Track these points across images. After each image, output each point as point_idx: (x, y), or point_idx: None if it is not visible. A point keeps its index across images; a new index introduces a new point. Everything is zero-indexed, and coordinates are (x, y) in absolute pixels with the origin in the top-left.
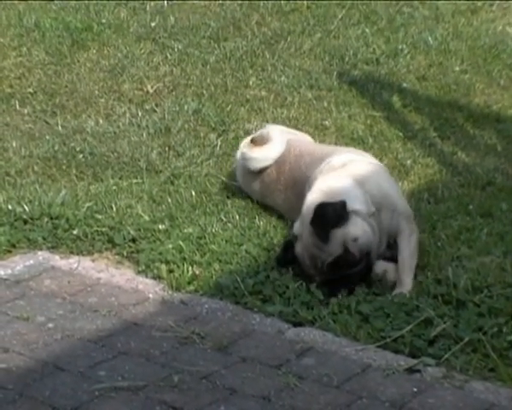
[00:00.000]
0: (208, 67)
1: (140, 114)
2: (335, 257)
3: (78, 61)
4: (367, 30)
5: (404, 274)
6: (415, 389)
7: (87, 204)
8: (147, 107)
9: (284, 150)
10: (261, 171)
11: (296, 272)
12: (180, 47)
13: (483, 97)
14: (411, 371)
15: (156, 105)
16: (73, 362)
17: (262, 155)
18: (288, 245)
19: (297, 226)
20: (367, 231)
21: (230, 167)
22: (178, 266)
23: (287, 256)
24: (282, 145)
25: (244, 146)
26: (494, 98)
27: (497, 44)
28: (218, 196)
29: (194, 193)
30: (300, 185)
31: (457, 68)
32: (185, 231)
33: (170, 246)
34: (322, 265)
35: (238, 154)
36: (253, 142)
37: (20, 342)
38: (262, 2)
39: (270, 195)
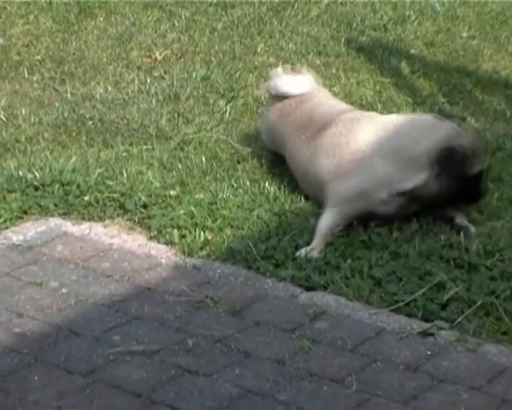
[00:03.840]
0: (216, 34)
1: (149, 81)
2: None
3: (86, 29)
4: None
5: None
6: (428, 353)
7: (98, 170)
8: (155, 74)
9: (310, 92)
10: (282, 99)
11: (309, 236)
12: (187, 14)
13: (491, 63)
14: (425, 334)
15: (165, 72)
16: (88, 327)
17: (290, 80)
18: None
19: None
20: None
21: (240, 133)
22: (190, 232)
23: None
24: (310, 84)
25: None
26: (502, 64)
27: (505, 10)
28: (228, 162)
29: (204, 159)
30: (317, 125)
31: (465, 34)
32: (196, 196)
33: (181, 212)
34: None
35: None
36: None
37: (33, 307)
38: None
39: (283, 126)
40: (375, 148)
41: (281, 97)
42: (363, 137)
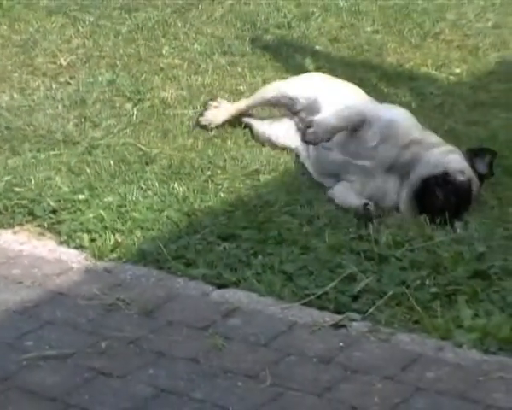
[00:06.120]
0: (121, 37)
1: (54, 86)
2: None
3: None
4: None
5: None
6: (341, 344)
7: (5, 178)
8: (61, 79)
9: None
10: None
11: (220, 234)
12: (91, 19)
13: (395, 56)
14: (337, 326)
15: (70, 77)
16: (0, 334)
17: None
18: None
19: None
20: None
21: (148, 135)
22: (100, 235)
23: None
24: None
25: None
26: (406, 57)
27: (408, 4)
28: (136, 165)
29: (112, 162)
30: None
31: (369, 29)
32: (105, 200)
33: (91, 215)
34: None
35: None
36: None
37: None
38: None
39: None
40: None
41: None
42: None
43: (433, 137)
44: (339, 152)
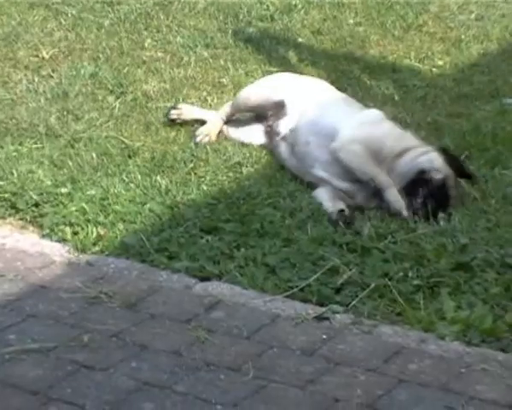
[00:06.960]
0: (103, 30)
1: (37, 79)
2: None
3: None
4: None
5: None
6: (324, 337)
7: None
8: (43, 72)
9: None
10: None
11: (202, 227)
12: (74, 12)
13: (378, 48)
14: (320, 318)
15: (53, 70)
16: None
17: None
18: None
19: None
20: None
21: (130, 128)
22: (83, 228)
23: None
24: None
25: None
26: (389, 49)
27: None
28: (119, 157)
29: (95, 155)
30: None
31: (352, 21)
32: (88, 193)
33: (73, 209)
34: None
35: None
36: None
37: None
38: None
39: None
40: None
41: None
42: None
43: (410, 140)
44: (322, 170)
